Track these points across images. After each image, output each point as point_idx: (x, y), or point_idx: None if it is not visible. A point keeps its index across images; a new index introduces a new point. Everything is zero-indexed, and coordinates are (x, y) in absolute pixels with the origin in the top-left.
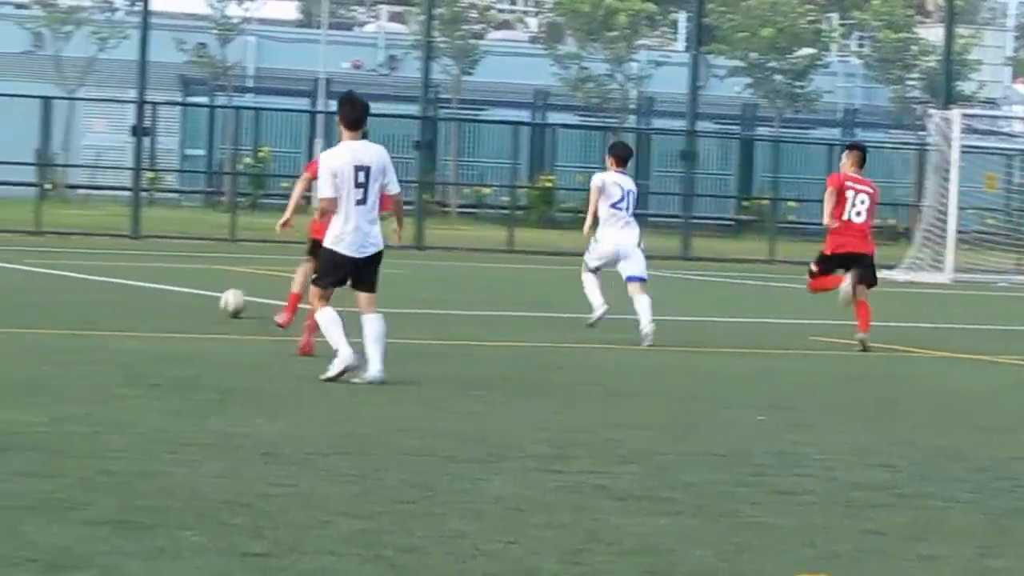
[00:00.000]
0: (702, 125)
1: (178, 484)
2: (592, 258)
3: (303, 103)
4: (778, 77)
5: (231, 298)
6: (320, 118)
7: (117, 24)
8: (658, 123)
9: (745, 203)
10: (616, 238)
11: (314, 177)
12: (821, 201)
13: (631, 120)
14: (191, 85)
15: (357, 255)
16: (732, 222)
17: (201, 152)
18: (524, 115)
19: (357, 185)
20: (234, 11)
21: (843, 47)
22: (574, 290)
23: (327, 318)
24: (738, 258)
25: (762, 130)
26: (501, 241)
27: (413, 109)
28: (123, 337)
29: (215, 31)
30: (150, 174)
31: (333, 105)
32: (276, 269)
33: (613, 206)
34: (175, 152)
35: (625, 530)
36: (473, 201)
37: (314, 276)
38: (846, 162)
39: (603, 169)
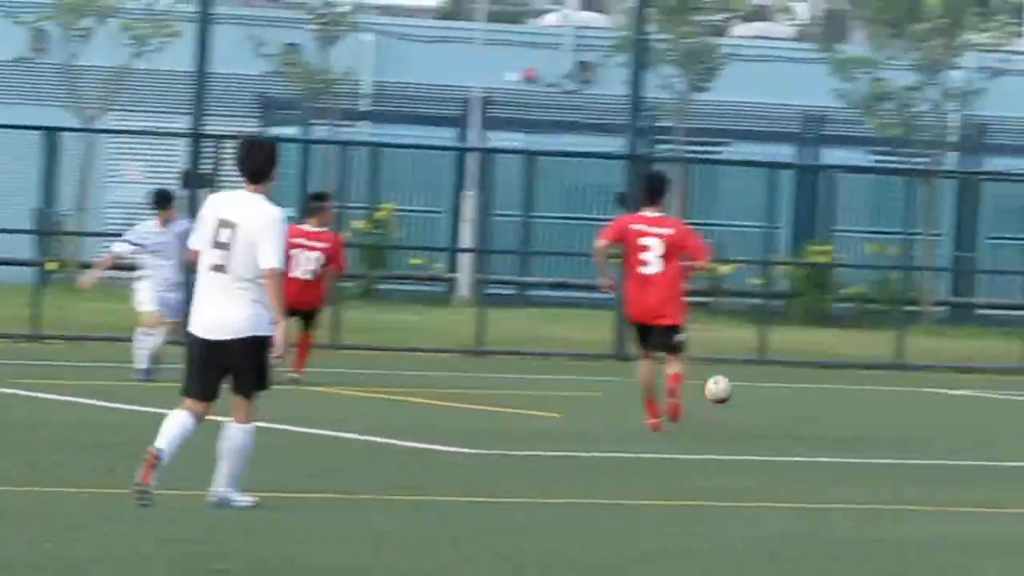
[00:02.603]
0: None
1: None
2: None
3: (446, 135)
4: None
5: (723, 385)
6: (473, 158)
7: (162, 16)
8: (995, 163)
9: None
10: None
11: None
12: None
13: (950, 159)
14: (276, 109)
15: (208, 336)
16: None
17: (289, 212)
18: (786, 152)
19: (217, 245)
20: None
21: None
22: (888, 421)
23: (171, 418)
24: None
25: None
26: (748, 346)
27: (616, 144)
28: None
29: (313, 26)
30: None
31: (493, 137)
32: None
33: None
34: None
35: None
36: (706, 285)
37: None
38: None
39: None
